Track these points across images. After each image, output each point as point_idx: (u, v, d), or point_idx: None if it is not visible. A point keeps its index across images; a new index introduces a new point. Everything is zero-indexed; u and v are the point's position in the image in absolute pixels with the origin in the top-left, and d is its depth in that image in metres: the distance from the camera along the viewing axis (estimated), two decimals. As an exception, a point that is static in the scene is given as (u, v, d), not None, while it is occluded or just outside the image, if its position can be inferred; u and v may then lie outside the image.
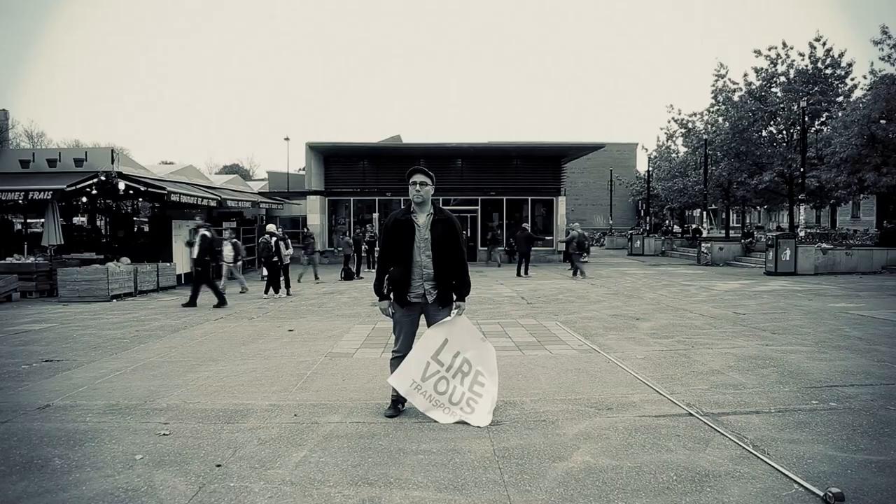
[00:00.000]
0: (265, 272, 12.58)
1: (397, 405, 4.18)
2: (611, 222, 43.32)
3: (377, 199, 24.07)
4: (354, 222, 23.90)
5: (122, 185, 13.74)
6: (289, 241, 13.19)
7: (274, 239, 12.25)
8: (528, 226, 19.65)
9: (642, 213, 42.34)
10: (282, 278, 12.50)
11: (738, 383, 4.89)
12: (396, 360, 4.13)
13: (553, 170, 24.40)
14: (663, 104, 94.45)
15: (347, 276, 16.37)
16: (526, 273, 16.97)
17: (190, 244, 11.69)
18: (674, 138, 30.23)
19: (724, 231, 31.86)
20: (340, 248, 18.55)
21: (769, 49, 23.89)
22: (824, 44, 22.95)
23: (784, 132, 24.82)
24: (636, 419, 4.01)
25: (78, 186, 13.15)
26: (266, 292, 12.22)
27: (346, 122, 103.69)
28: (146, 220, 20.84)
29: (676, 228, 40.88)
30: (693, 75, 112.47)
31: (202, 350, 6.62)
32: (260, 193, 24.57)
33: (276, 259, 12.20)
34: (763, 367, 5.47)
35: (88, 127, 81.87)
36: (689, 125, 27.75)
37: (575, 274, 16.68)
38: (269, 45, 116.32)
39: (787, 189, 24.36)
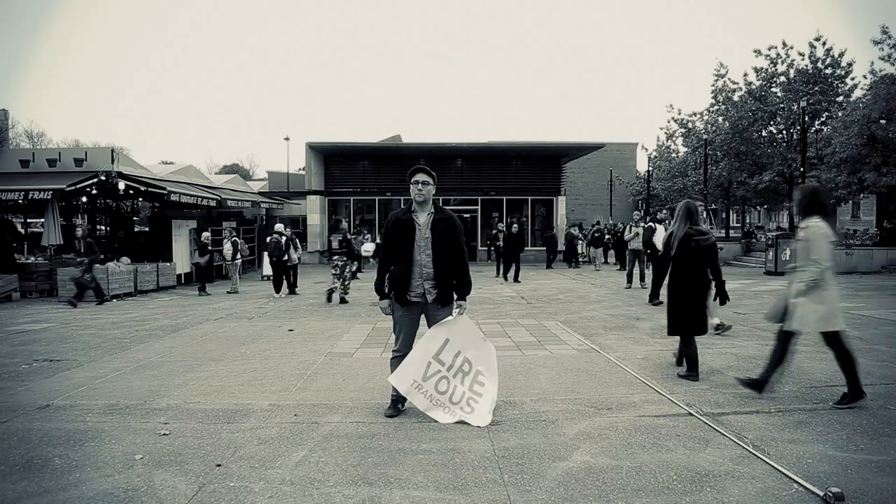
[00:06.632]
0: (265, 272, 12.58)
1: (397, 405, 4.19)
2: (611, 222, 43.30)
3: (377, 198, 24.05)
4: (355, 223, 23.88)
5: (122, 185, 13.74)
6: (297, 241, 13.19)
7: (284, 238, 12.26)
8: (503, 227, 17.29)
9: (642, 213, 42.31)
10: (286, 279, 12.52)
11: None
12: (397, 360, 4.13)
13: (553, 170, 24.41)
14: (663, 104, 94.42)
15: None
16: (516, 279, 15.41)
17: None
18: (674, 138, 30.24)
19: (724, 231, 31.87)
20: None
21: (769, 49, 23.90)
22: (824, 43, 22.95)
23: (784, 132, 24.82)
24: (636, 419, 4.01)
25: (78, 186, 13.14)
26: (278, 291, 12.24)
27: (347, 122, 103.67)
28: (147, 219, 20.81)
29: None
30: (693, 75, 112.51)
31: (202, 350, 6.62)
32: (260, 193, 24.55)
33: (285, 258, 12.22)
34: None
35: (88, 127, 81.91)
36: (689, 125, 27.75)
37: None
38: (270, 44, 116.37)
39: (787, 189, 24.34)
